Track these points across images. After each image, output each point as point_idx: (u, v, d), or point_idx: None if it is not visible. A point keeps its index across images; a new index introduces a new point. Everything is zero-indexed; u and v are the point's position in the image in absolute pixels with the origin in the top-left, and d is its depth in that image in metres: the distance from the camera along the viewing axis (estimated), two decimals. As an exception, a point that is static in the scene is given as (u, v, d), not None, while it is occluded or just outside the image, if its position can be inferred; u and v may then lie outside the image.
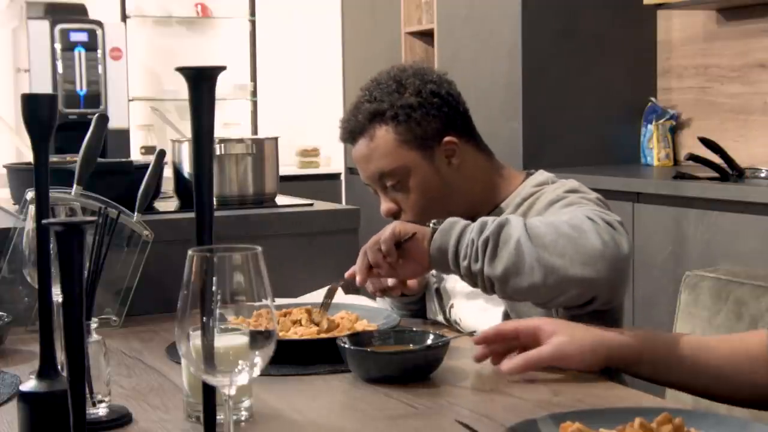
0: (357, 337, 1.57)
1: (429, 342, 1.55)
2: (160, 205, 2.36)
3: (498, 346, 1.52)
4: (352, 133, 1.87)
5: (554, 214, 1.69)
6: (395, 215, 1.86)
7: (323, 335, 1.68)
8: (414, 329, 1.65)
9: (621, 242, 1.56)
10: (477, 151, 1.88)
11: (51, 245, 1.24)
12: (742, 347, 1.49)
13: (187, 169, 2.36)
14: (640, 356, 1.48)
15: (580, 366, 1.47)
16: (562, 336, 1.47)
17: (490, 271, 1.56)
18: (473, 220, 1.84)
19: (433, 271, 1.98)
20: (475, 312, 1.81)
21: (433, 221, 1.64)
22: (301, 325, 1.72)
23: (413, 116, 1.82)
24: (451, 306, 1.90)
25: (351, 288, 1.80)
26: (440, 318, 1.93)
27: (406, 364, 1.49)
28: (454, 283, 1.87)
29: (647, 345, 1.49)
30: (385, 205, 1.88)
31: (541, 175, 1.87)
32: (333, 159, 6.23)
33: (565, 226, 1.56)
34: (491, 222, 1.59)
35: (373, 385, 1.47)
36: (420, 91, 1.83)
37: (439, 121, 1.83)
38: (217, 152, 2.32)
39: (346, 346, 1.51)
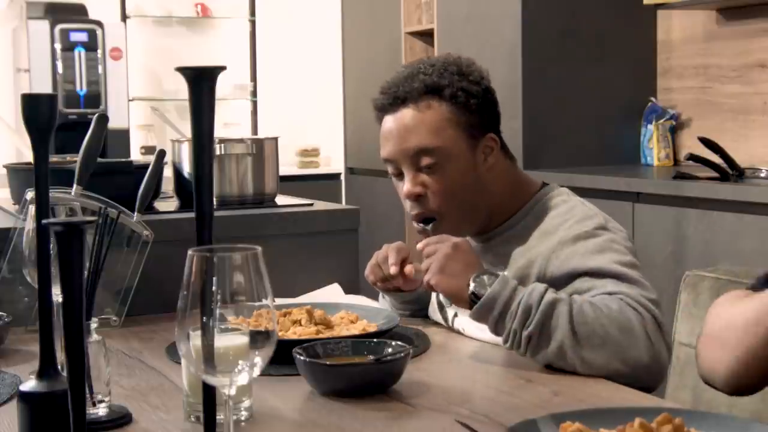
0: (313, 348, 1.51)
1: (386, 354, 1.49)
2: (160, 205, 2.36)
3: None
4: (399, 99, 1.77)
5: (596, 297, 1.60)
6: (417, 198, 1.78)
7: (323, 335, 1.68)
8: (375, 340, 1.57)
9: (663, 350, 1.55)
10: (505, 158, 1.84)
11: (51, 245, 1.24)
12: None
13: (187, 169, 2.35)
14: None
15: None
16: None
17: (531, 357, 1.54)
18: (489, 225, 1.82)
19: None
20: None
21: (469, 279, 1.59)
22: (300, 325, 1.72)
23: (470, 102, 1.77)
24: (455, 315, 1.88)
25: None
26: (441, 319, 1.92)
27: (362, 377, 1.44)
28: None
29: None
30: (410, 186, 1.77)
31: (555, 188, 1.85)
32: (333, 159, 6.23)
33: (614, 327, 1.52)
34: (535, 311, 1.53)
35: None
36: (480, 81, 1.80)
37: (487, 117, 1.80)
38: (217, 152, 2.32)
39: (301, 357, 1.46)
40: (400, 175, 1.80)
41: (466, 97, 1.76)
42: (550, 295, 1.55)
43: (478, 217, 1.82)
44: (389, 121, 1.79)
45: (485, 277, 1.58)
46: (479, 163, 1.79)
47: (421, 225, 1.80)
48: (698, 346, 1.47)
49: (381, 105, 1.80)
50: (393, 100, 1.78)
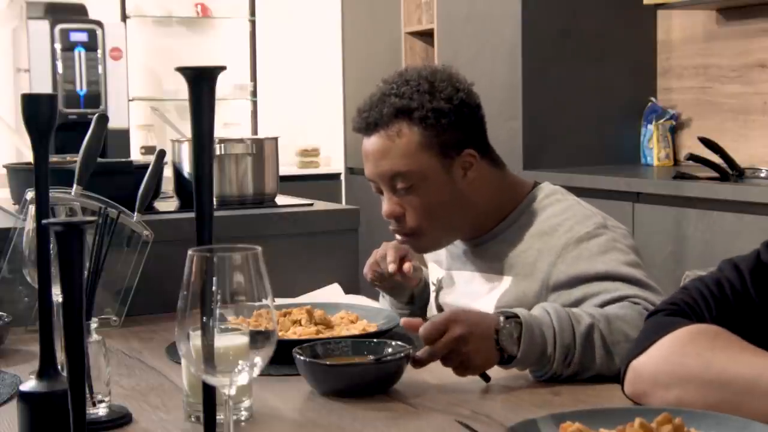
0: (313, 348, 1.51)
1: (386, 354, 1.49)
2: (160, 205, 2.36)
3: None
4: (371, 124, 1.77)
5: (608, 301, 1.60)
6: (397, 218, 1.79)
7: (323, 335, 1.68)
8: (375, 340, 1.56)
9: None
10: (491, 167, 1.81)
11: (51, 245, 1.24)
12: None
13: (187, 169, 2.36)
14: None
15: None
16: None
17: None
18: (480, 230, 1.81)
19: (432, 279, 1.97)
20: None
21: (495, 347, 1.48)
22: (300, 325, 1.72)
23: (441, 122, 1.74)
24: None
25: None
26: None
27: (362, 377, 1.43)
28: (455, 297, 1.85)
29: None
30: (389, 206, 1.78)
31: (548, 187, 1.85)
32: (333, 159, 6.23)
33: (636, 331, 1.49)
34: (573, 349, 1.50)
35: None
36: (451, 98, 1.75)
37: (462, 133, 1.77)
38: (217, 152, 2.32)
39: (301, 357, 1.45)
40: (382, 193, 1.81)
41: (437, 117, 1.74)
42: (579, 325, 1.51)
43: (460, 230, 1.82)
44: (366, 144, 1.80)
45: (506, 332, 1.48)
46: (458, 180, 1.77)
47: (402, 238, 1.81)
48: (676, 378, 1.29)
49: (357, 128, 1.81)
50: (366, 125, 1.78)
